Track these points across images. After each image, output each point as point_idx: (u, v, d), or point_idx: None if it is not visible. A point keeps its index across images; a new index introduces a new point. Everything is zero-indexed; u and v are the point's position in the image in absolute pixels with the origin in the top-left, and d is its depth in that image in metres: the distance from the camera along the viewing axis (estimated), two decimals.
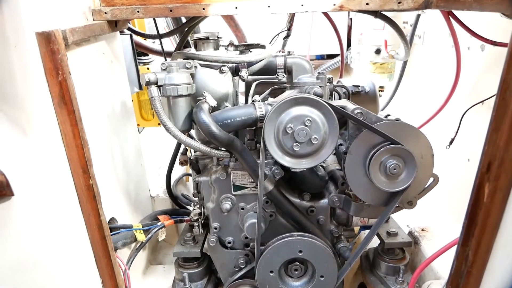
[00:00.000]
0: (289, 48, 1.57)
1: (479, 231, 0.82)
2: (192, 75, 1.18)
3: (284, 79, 1.35)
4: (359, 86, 1.37)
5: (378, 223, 1.10)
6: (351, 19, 3.17)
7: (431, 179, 1.08)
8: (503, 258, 0.82)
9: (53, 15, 1.01)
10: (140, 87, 1.73)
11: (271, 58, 1.29)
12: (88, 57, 1.22)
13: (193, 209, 1.45)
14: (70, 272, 1.13)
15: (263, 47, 1.33)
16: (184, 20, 1.64)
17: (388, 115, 1.07)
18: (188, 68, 1.15)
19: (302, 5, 1.14)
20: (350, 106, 1.06)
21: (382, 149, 0.99)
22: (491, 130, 0.75)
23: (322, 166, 1.33)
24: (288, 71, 1.31)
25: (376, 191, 1.05)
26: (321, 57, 3.76)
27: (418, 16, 2.10)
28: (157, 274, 1.61)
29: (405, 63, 2.29)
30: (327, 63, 3.31)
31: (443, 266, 1.22)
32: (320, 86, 1.15)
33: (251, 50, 1.39)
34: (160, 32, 1.72)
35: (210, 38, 1.28)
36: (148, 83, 1.08)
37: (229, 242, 1.30)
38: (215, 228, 1.28)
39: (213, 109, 1.14)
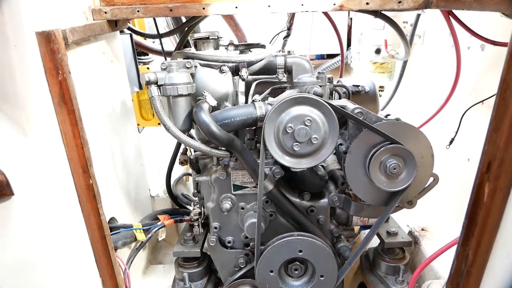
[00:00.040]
0: (289, 47, 1.57)
1: (479, 231, 0.82)
2: (192, 75, 1.18)
3: (284, 79, 1.35)
4: (359, 85, 1.37)
5: (378, 222, 1.10)
6: (351, 18, 3.17)
7: (431, 179, 1.08)
8: (503, 258, 0.82)
9: (53, 14, 1.01)
10: (140, 87, 1.73)
11: (271, 58, 1.29)
12: (88, 56, 1.22)
13: (193, 209, 1.45)
14: (70, 272, 1.13)
15: (263, 46, 1.33)
16: (184, 19, 1.64)
17: (388, 115, 1.07)
18: (188, 68, 1.15)
19: (302, 4, 1.14)
20: (350, 105, 1.06)
21: (382, 148, 0.99)
22: (491, 130, 0.75)
23: (322, 166, 1.33)
24: (288, 70, 1.31)
25: (376, 190, 1.05)
26: (321, 57, 3.76)
27: (418, 15, 2.10)
28: (157, 274, 1.61)
29: (405, 62, 2.29)
30: (327, 63, 3.31)
31: (443, 266, 1.22)
32: (320, 86, 1.15)
33: (251, 49, 1.39)
34: (160, 32, 1.72)
35: (210, 37, 1.28)
36: (148, 83, 1.08)
37: (229, 242, 1.30)
38: (215, 228, 1.28)
39: (213, 109, 1.14)
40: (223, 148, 1.16)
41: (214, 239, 1.27)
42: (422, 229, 1.46)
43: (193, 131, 1.32)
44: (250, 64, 1.27)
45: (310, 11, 1.15)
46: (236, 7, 1.14)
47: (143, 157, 1.73)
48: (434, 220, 1.72)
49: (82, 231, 1.10)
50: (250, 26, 2.08)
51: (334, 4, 1.13)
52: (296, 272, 1.16)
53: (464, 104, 1.57)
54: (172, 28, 1.80)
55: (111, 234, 1.21)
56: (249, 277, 1.24)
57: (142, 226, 1.41)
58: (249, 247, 1.30)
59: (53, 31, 0.92)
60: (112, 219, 1.35)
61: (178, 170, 1.98)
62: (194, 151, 1.40)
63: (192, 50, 1.38)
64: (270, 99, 1.17)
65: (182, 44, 1.57)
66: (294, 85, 1.19)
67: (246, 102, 1.44)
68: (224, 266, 1.32)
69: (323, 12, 1.45)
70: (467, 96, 1.67)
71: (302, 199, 1.23)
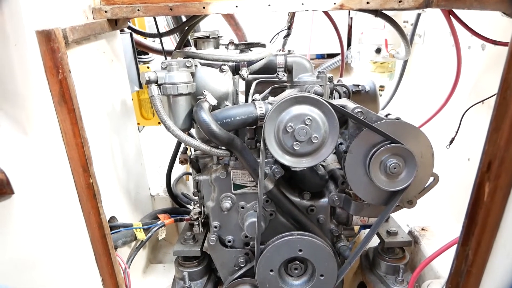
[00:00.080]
0: (289, 47, 1.57)
1: (479, 231, 0.82)
2: (192, 74, 1.18)
3: (285, 78, 1.34)
4: (359, 85, 1.37)
5: (378, 222, 1.10)
6: (351, 18, 3.17)
7: (431, 179, 1.08)
8: (503, 258, 0.82)
9: (53, 13, 1.01)
10: (140, 86, 1.73)
11: (272, 57, 1.29)
12: (88, 55, 1.22)
13: (193, 208, 1.45)
14: (70, 271, 1.13)
15: (263, 46, 1.33)
16: (184, 18, 1.64)
17: (389, 114, 1.07)
18: (188, 67, 1.15)
19: (303, 4, 1.14)
20: (350, 105, 1.06)
21: (382, 148, 0.99)
22: (491, 130, 0.75)
23: (322, 165, 1.33)
24: (288, 70, 1.31)
25: (376, 190, 1.05)
26: (321, 56, 3.75)
27: (419, 15, 2.10)
28: (157, 273, 1.61)
29: (405, 62, 2.29)
30: (327, 62, 3.30)
31: (443, 266, 1.22)
32: (321, 85, 1.15)
33: (251, 49, 1.39)
34: (160, 31, 1.72)
35: (210, 37, 1.28)
36: (148, 82, 1.08)
37: (229, 241, 1.30)
38: (215, 227, 1.28)
39: (213, 108, 1.14)
40: (223, 147, 1.16)
41: (214, 238, 1.27)
42: (422, 229, 1.46)
43: (193, 130, 1.32)
44: (250, 63, 1.27)
45: (310, 10, 1.15)
46: (236, 6, 1.14)
47: (143, 156, 1.73)
48: (434, 220, 1.72)
49: (82, 230, 1.10)
50: (250, 25, 2.07)
51: (335, 3, 1.13)
52: (296, 271, 1.16)
53: (464, 103, 1.57)
54: (172, 27, 1.80)
55: (111, 233, 1.21)
56: (249, 276, 1.24)
57: (142, 225, 1.42)
58: (249, 246, 1.31)
59: (53, 30, 0.92)
60: (112, 218, 1.35)
61: (178, 169, 1.99)
62: (194, 150, 1.40)
63: (192, 49, 1.38)
64: (270, 98, 1.17)
65: (182, 43, 1.57)
66: (294, 84, 1.19)
67: (246, 101, 1.44)
68: (224, 265, 1.32)
69: (324, 12, 1.45)
70: (468, 96, 1.67)
71: (302, 198, 1.23)
